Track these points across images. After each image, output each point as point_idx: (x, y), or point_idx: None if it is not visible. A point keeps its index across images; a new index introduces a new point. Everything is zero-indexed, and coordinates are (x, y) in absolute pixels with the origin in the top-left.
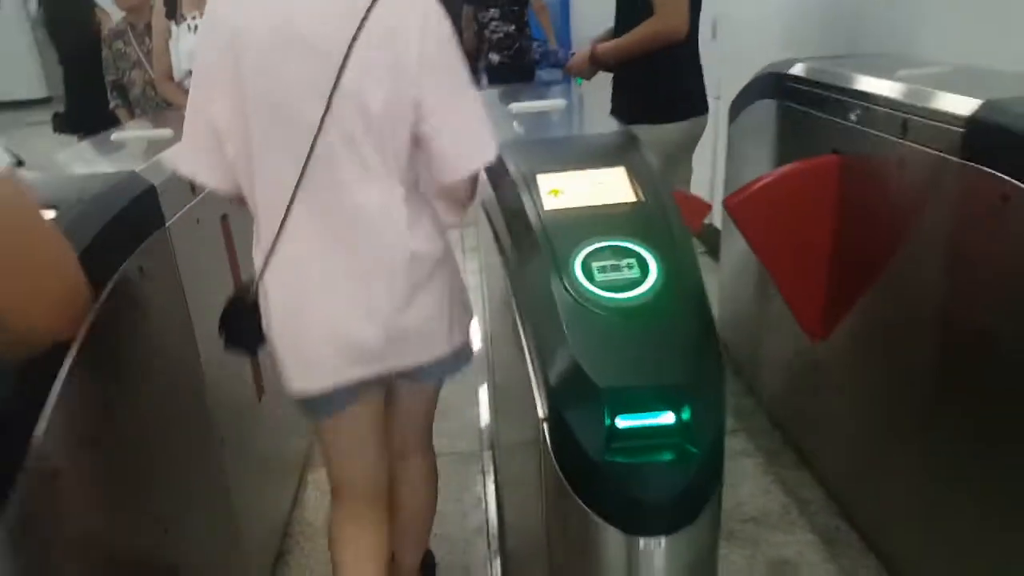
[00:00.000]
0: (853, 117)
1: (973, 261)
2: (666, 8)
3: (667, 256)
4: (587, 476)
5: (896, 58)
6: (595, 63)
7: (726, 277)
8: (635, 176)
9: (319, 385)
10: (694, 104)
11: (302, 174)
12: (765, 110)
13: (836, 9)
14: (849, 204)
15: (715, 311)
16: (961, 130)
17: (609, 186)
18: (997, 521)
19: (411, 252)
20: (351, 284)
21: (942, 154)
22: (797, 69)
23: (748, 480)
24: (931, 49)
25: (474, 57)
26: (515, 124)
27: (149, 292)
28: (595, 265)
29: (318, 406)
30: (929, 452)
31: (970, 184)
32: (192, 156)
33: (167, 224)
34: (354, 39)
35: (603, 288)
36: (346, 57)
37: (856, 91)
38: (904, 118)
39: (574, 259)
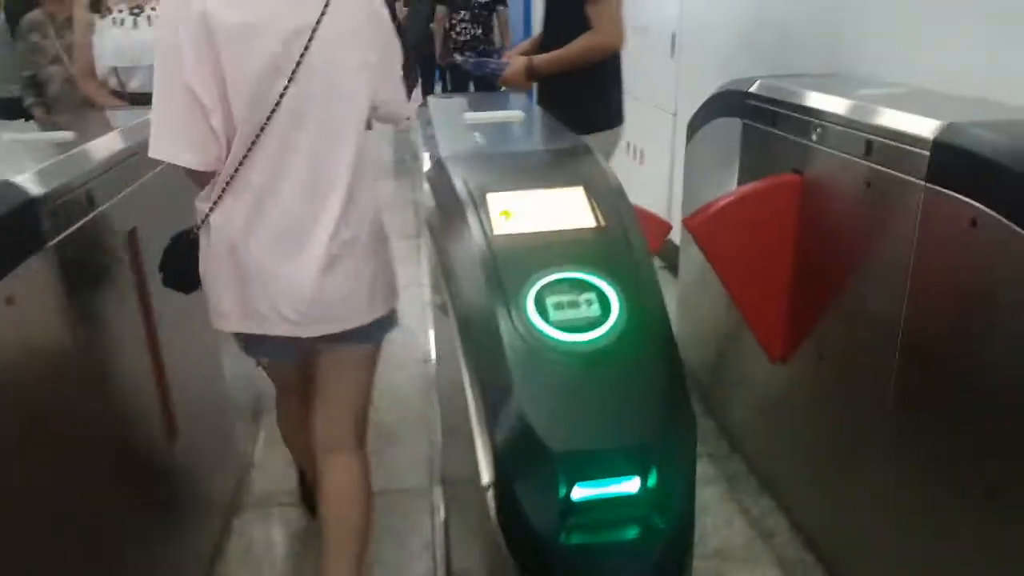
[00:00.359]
0: (814, 136)
1: (939, 286)
2: (604, 23)
3: (631, 291)
4: (539, 558)
5: (854, 78)
6: (532, 75)
7: (685, 293)
8: (595, 197)
9: (242, 329)
10: (612, 116)
11: (257, 136)
12: (724, 128)
13: (794, 29)
14: (811, 224)
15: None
16: (927, 153)
17: (567, 208)
18: (966, 550)
19: (342, 219)
20: (285, 246)
21: (907, 176)
22: (757, 87)
23: (710, 511)
24: (886, 70)
25: (442, 56)
26: (468, 135)
27: (20, 327)
28: (550, 301)
29: (249, 347)
30: (894, 480)
31: (936, 208)
32: (171, 140)
33: (50, 244)
34: (318, 22)
35: (559, 328)
36: (310, 40)
37: (817, 110)
38: (867, 139)
39: (526, 293)
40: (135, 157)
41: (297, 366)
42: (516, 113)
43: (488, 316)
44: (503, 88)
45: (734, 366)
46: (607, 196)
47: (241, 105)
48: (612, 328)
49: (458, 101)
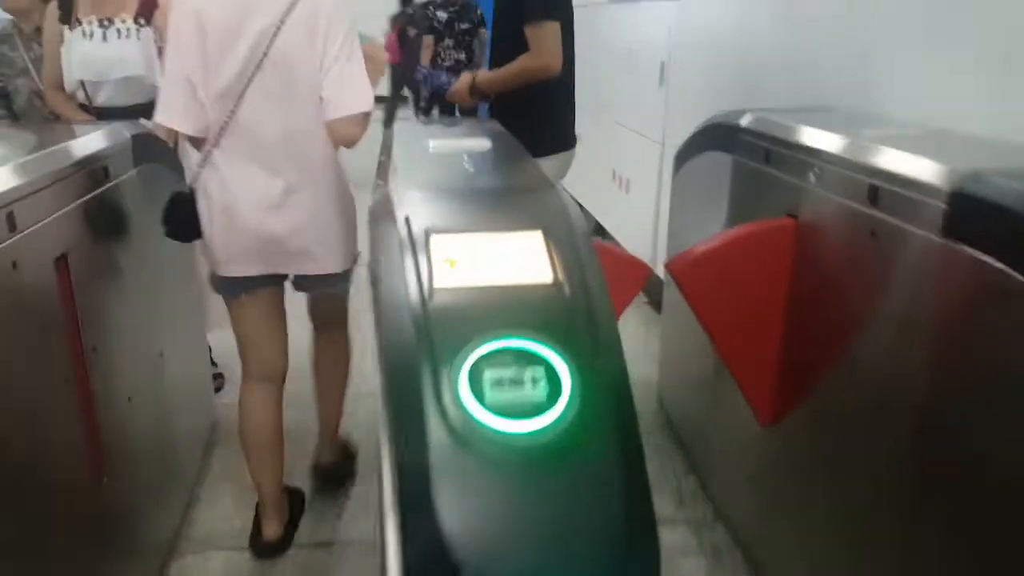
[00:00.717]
0: (812, 177)
1: (958, 355)
2: (541, 45)
3: (587, 366)
4: None
5: (858, 113)
6: (474, 92)
7: (669, 333)
8: (555, 244)
9: (238, 272)
10: (564, 140)
11: (234, 108)
12: (713, 163)
13: (792, 57)
14: (807, 275)
15: (655, 371)
16: (944, 205)
17: (521, 257)
18: None
19: (312, 169)
20: (260, 194)
21: (919, 230)
22: (749, 120)
23: None
24: (893, 105)
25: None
26: (423, 165)
27: None
28: (488, 376)
29: (231, 288)
30: (905, 569)
31: (956, 269)
32: (170, 111)
33: None
34: (282, 22)
35: (496, 412)
36: (276, 31)
37: (816, 149)
38: (872, 184)
39: (459, 365)
40: (70, 178)
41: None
42: (482, 143)
43: (412, 391)
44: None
45: (720, 421)
46: (569, 243)
47: (221, 86)
48: (561, 416)
49: (428, 127)
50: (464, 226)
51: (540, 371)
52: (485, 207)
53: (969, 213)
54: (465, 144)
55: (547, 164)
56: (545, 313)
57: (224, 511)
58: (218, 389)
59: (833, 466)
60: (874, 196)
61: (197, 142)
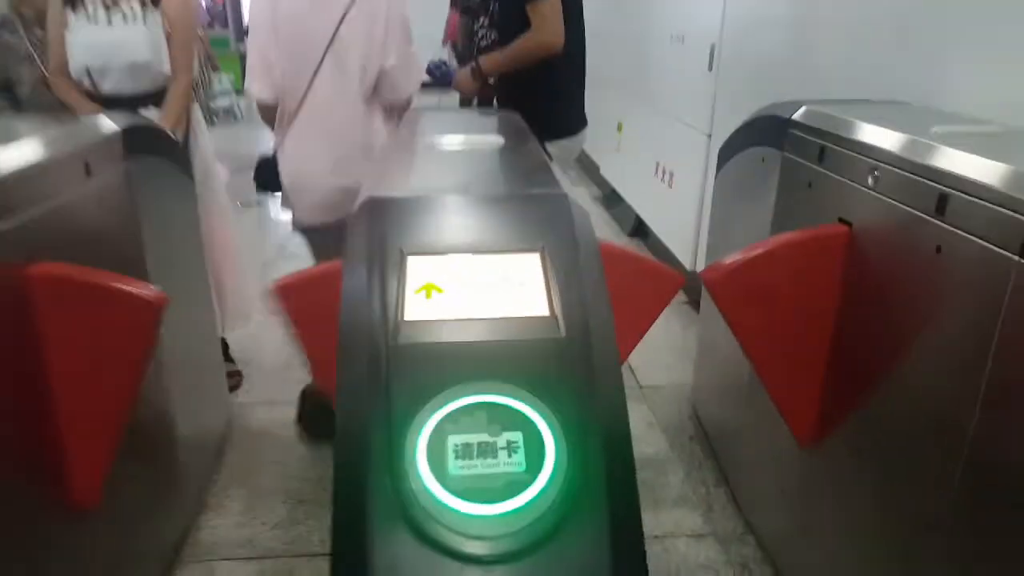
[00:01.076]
0: (870, 181)
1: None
2: (541, 23)
3: (578, 431)
4: None
5: (924, 110)
6: (477, 77)
7: (705, 337)
8: (555, 269)
9: (312, 221)
10: (573, 122)
11: (307, 89)
12: (761, 159)
13: (854, 46)
14: (859, 290)
15: (691, 375)
16: (1023, 219)
17: (512, 286)
18: None
19: (361, 142)
20: (327, 159)
21: (994, 247)
22: (802, 114)
23: None
24: (967, 102)
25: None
26: (416, 166)
27: None
28: (453, 441)
29: (308, 234)
30: None
31: None
32: (254, 83)
33: None
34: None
35: (459, 492)
36: (341, 20)
37: (876, 147)
38: (942, 191)
39: (419, 426)
40: (45, 177)
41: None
42: (495, 139)
43: (361, 456)
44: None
45: (756, 433)
46: (573, 270)
47: (292, 64)
48: (540, 496)
49: (446, 117)
50: (448, 246)
51: (518, 436)
52: (478, 221)
53: None
54: (472, 141)
55: (553, 149)
56: (532, 360)
57: (232, 518)
58: (234, 388)
59: (875, 491)
60: (942, 205)
61: (268, 111)
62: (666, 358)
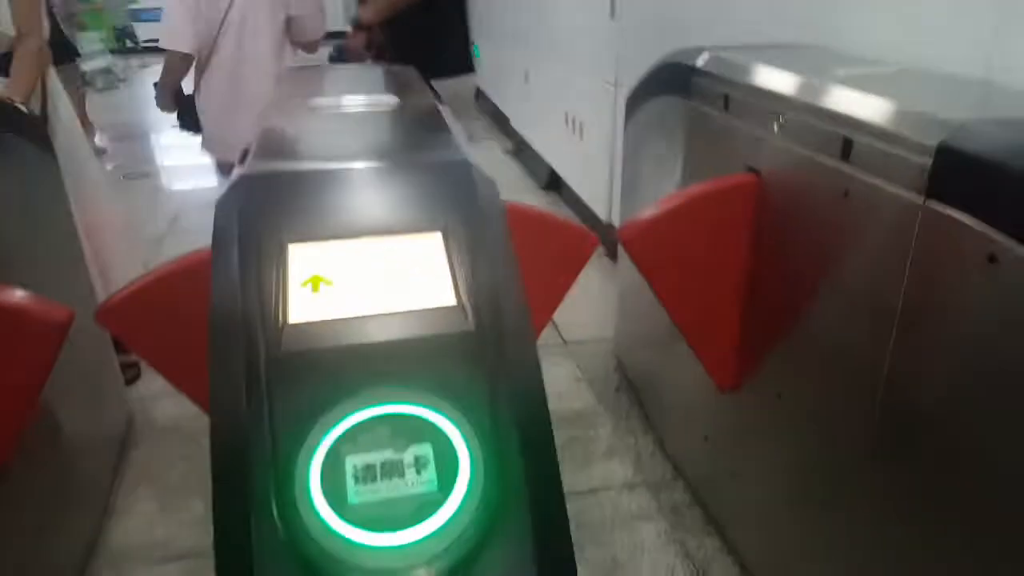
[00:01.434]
0: (776, 128)
1: (940, 331)
2: None
3: (493, 435)
4: None
5: (827, 53)
6: (360, 28)
7: (625, 289)
8: (459, 251)
9: (225, 158)
10: (460, 63)
11: (218, 34)
12: (667, 108)
13: None
14: (769, 238)
15: (612, 327)
16: (927, 161)
17: (411, 274)
18: None
19: (274, 75)
20: (241, 100)
21: (899, 190)
22: (705, 60)
23: (647, 554)
24: (870, 43)
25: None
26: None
27: None
28: (352, 462)
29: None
30: (863, 536)
31: (939, 234)
32: (174, 36)
33: None
34: None
35: (362, 523)
36: None
37: (780, 95)
38: (846, 136)
39: (309, 451)
40: None
41: None
42: (389, 99)
43: (243, 492)
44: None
45: (679, 382)
46: (479, 249)
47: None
48: (452, 522)
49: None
50: (336, 228)
51: (425, 450)
52: (369, 198)
53: (956, 170)
54: (363, 101)
55: (446, 92)
56: (439, 356)
57: (143, 520)
58: (132, 380)
59: (794, 432)
60: (847, 150)
61: (187, 59)
62: (588, 312)
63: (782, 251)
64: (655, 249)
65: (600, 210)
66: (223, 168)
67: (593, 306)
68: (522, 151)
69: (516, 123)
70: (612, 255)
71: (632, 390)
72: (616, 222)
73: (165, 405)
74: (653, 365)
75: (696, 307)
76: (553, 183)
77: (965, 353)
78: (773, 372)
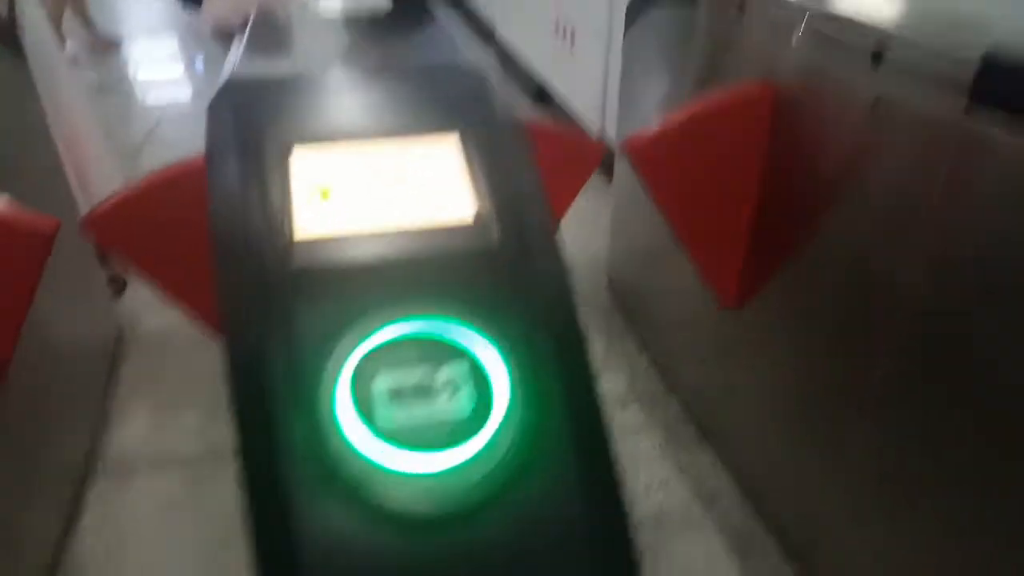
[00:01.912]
0: (796, 33)
1: (971, 250)
2: None
3: (530, 359)
4: None
5: None
6: None
7: (619, 204)
8: (477, 155)
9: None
10: None
11: None
12: (672, 15)
13: None
14: (785, 154)
15: (604, 246)
16: (970, 71)
17: (426, 180)
18: (941, 534)
19: None
20: None
21: (936, 102)
22: None
23: (642, 468)
24: None
25: None
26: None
27: None
28: (379, 385)
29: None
30: (864, 447)
31: (981, 151)
32: None
33: None
34: None
35: (393, 439)
36: None
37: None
38: (877, 41)
39: (335, 367)
40: None
41: None
42: (380, 2)
43: (263, 408)
44: None
45: (674, 299)
46: (499, 154)
47: None
48: (492, 444)
49: None
50: (343, 131)
51: (457, 372)
52: (373, 99)
53: (1003, 81)
54: (351, 6)
55: None
56: (463, 275)
57: (138, 429)
58: (119, 292)
59: (801, 353)
60: (878, 58)
61: None
62: (580, 229)
63: (799, 166)
64: (662, 163)
65: (593, 126)
66: (221, 36)
67: (585, 224)
68: (507, 63)
69: (502, 32)
70: (605, 172)
71: (625, 309)
72: (612, 137)
73: (154, 316)
74: (647, 283)
75: (703, 223)
76: (541, 96)
77: (1003, 274)
78: (783, 290)
